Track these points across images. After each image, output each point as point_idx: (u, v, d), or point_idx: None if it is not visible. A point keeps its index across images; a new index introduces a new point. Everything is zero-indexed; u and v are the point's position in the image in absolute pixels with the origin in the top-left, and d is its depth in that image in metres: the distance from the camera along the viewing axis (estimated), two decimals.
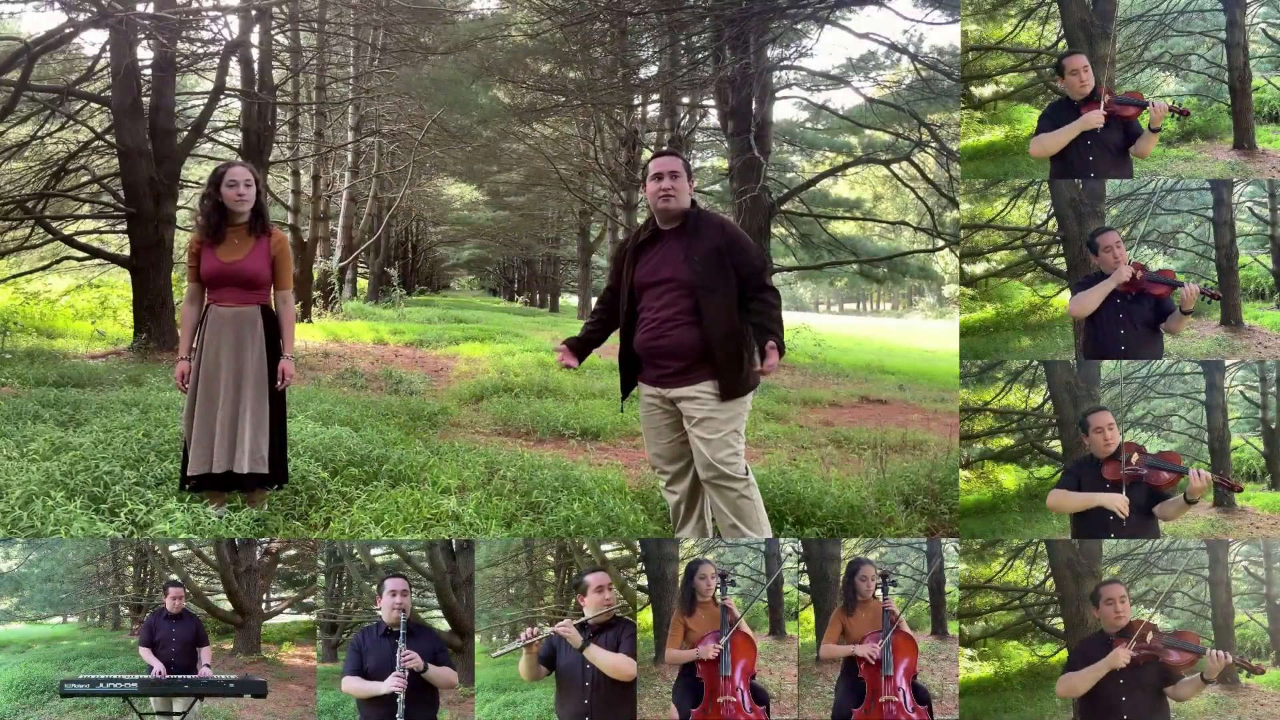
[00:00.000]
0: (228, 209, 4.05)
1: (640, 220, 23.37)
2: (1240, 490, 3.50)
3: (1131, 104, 3.61)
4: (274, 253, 4.13)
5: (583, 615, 3.14)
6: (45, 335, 11.81)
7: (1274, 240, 3.74)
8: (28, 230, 11.74)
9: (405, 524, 4.09)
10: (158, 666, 3.62)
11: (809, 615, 3.68)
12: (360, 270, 29.30)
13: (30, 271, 12.50)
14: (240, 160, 5.10)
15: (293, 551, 4.30)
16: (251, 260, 4.06)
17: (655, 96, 19.85)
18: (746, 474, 3.64)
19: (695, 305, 3.56)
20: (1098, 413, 3.42)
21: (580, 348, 3.87)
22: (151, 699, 3.38)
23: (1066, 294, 3.78)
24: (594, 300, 32.28)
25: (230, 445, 4.01)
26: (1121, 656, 3.08)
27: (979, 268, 3.92)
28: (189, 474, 4.03)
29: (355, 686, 3.15)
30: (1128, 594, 3.23)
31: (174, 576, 4.08)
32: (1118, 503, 3.29)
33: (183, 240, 15.59)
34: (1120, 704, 3.11)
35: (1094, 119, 3.60)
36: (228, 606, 4.30)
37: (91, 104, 12.09)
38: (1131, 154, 3.67)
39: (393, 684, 3.06)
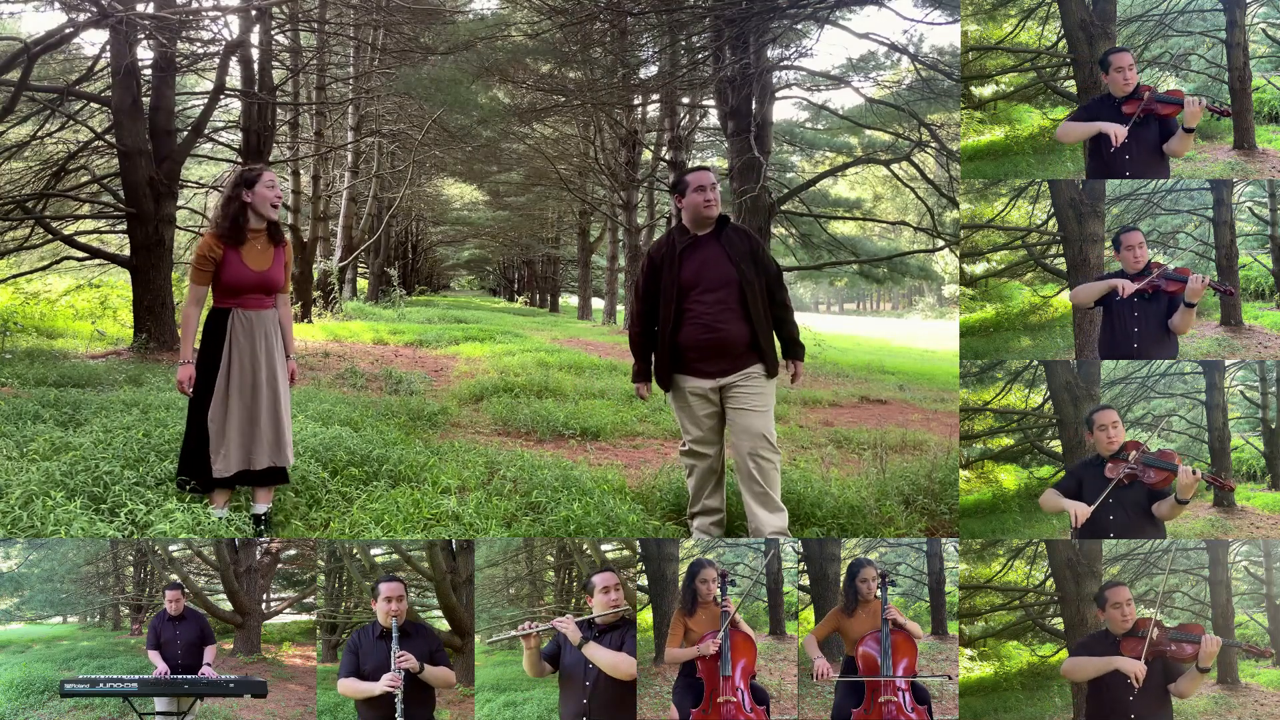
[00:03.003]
0: (254, 213, 4.04)
1: (640, 220, 23.46)
2: (1231, 489, 3.50)
3: (1170, 102, 3.57)
4: (286, 259, 4.20)
5: (589, 615, 3.14)
6: (45, 335, 11.82)
7: (1274, 240, 3.74)
8: (28, 230, 11.74)
9: (405, 524, 4.09)
10: (162, 668, 3.62)
11: (809, 615, 3.68)
12: (360, 270, 29.31)
13: (30, 271, 12.50)
14: (266, 165, 5.11)
15: (293, 551, 4.30)
16: (276, 268, 4.12)
17: (655, 96, 19.84)
18: (778, 450, 4.10)
19: (742, 299, 4.00)
20: (1103, 410, 3.42)
21: (649, 372, 4.28)
22: (153, 699, 3.39)
23: (1066, 293, 3.79)
24: (594, 301, 31.96)
25: (274, 442, 4.10)
26: (1135, 668, 3.06)
27: (979, 268, 3.92)
28: (223, 474, 3.99)
29: (351, 688, 3.15)
30: (1132, 598, 3.22)
31: (173, 578, 4.08)
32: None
33: (183, 240, 15.60)
34: (1128, 704, 3.10)
35: (1115, 131, 3.59)
36: (228, 606, 4.31)
37: (91, 104, 12.09)
38: (1165, 151, 3.65)
39: (387, 682, 3.06)
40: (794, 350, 4.21)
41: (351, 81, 19.86)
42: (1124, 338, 3.56)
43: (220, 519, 3.93)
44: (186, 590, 3.87)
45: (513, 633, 3.10)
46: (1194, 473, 3.24)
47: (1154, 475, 3.31)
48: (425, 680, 3.15)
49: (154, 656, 3.67)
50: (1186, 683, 3.09)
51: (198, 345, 4.10)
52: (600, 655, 3.04)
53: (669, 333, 4.09)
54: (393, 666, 3.08)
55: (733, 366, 4.03)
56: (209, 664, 3.69)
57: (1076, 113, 3.73)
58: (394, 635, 3.12)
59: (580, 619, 3.10)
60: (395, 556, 4.06)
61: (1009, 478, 3.76)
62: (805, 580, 3.75)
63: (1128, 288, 3.51)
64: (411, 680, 3.11)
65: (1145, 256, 3.55)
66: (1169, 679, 3.10)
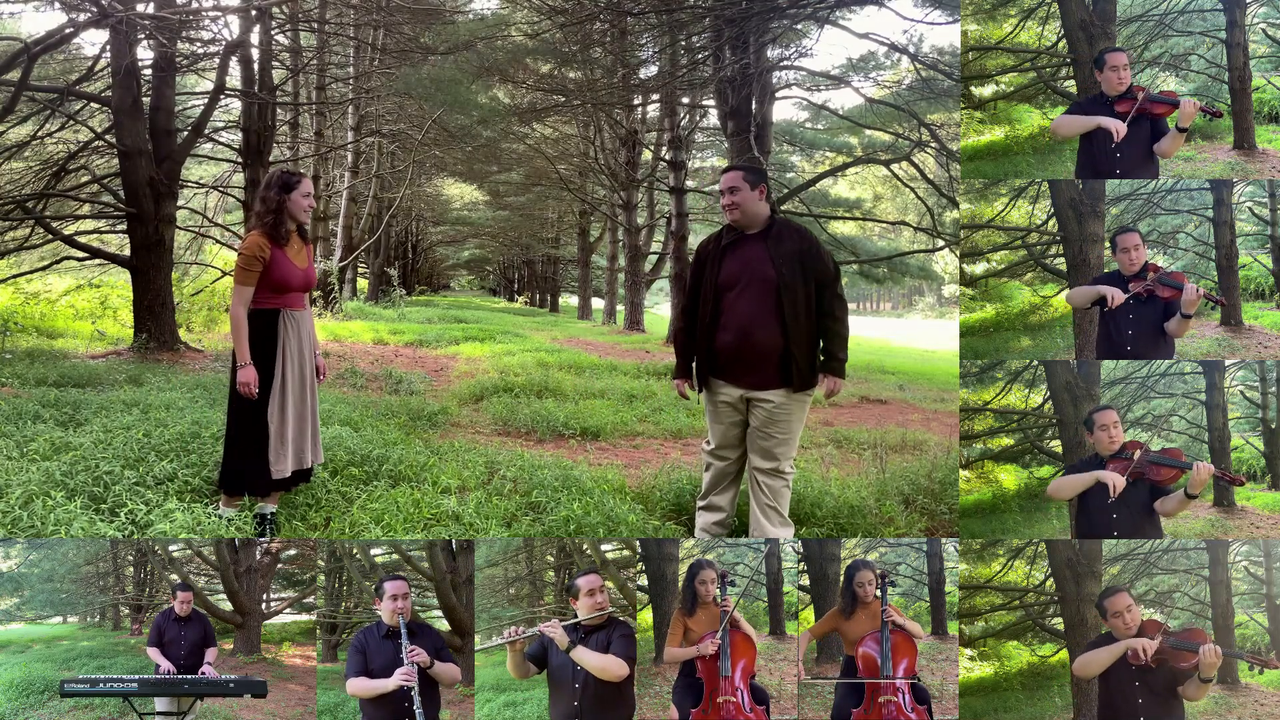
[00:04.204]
0: (288, 215, 4.05)
1: (640, 220, 23.48)
2: (1242, 484, 3.50)
3: (1165, 102, 3.58)
4: (312, 257, 4.27)
5: (575, 616, 3.13)
6: (45, 335, 11.81)
7: (1274, 240, 3.74)
8: (28, 230, 11.73)
9: (405, 524, 4.09)
10: (166, 666, 3.62)
11: (809, 615, 3.68)
12: (360, 270, 29.30)
13: (30, 271, 12.50)
14: (302, 170, 5.15)
15: (293, 551, 4.30)
16: (311, 267, 4.21)
17: (655, 96, 19.83)
18: (793, 469, 4.03)
19: (778, 304, 3.80)
20: (1103, 411, 3.42)
21: (689, 369, 4.14)
22: (153, 699, 3.38)
23: (1065, 293, 3.79)
24: (594, 301, 31.92)
25: (314, 441, 4.21)
26: (1143, 642, 3.08)
27: (979, 268, 3.92)
28: (283, 474, 4.03)
29: (362, 686, 3.12)
30: (1134, 601, 3.22)
31: (179, 580, 4.08)
32: (1114, 479, 3.29)
33: (183, 240, 15.58)
34: (1137, 707, 3.10)
35: (1116, 126, 3.59)
36: (228, 606, 4.30)
37: (91, 104, 12.08)
38: (1155, 151, 3.66)
39: (401, 677, 3.05)
40: (830, 365, 3.91)
41: (351, 81, 19.86)
42: (1119, 340, 3.58)
43: (220, 519, 3.93)
44: (196, 593, 3.87)
45: (499, 640, 3.09)
46: (1208, 468, 3.25)
47: (1163, 473, 3.31)
48: (434, 676, 3.15)
49: (154, 654, 3.67)
50: (1192, 689, 3.11)
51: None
52: (589, 659, 3.03)
53: (705, 333, 3.98)
54: (405, 661, 3.07)
55: (762, 380, 3.86)
56: (209, 664, 3.69)
57: (1070, 110, 3.74)
58: (402, 632, 3.12)
59: (566, 623, 3.09)
60: (395, 556, 4.05)
61: (1009, 478, 3.76)
62: (805, 580, 3.75)
63: (1117, 298, 3.52)
64: (420, 679, 3.10)
65: (1142, 258, 3.55)
66: (1177, 682, 3.11)
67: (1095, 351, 3.66)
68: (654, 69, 16.30)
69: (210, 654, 3.72)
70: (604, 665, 3.03)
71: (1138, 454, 3.33)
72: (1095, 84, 3.76)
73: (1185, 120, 3.56)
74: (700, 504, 4.21)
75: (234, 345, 3.99)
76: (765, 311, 3.82)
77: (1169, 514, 3.38)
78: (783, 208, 15.54)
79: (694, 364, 4.11)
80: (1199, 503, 3.62)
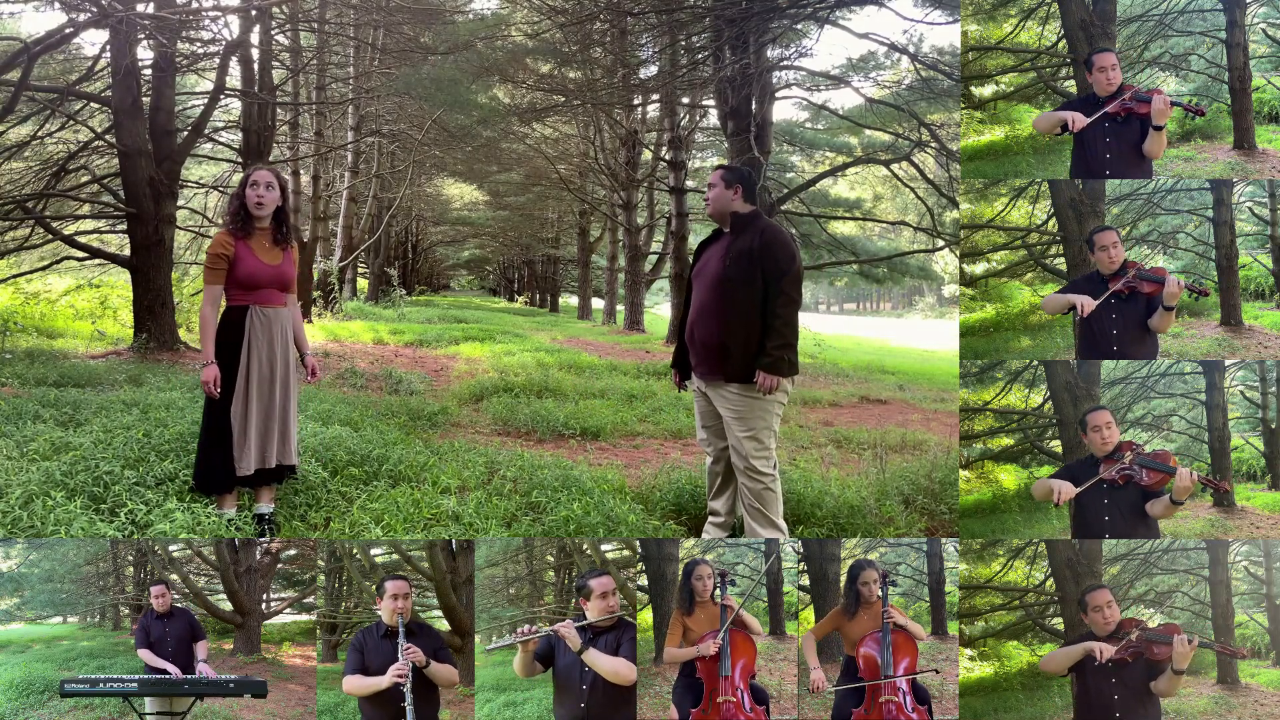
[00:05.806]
0: (248, 212, 4.06)
1: (640, 220, 23.53)
2: (1227, 490, 3.50)
3: (1146, 100, 3.60)
4: (294, 259, 4.27)
5: (584, 617, 3.12)
6: (45, 335, 11.81)
7: (1274, 240, 3.74)
8: (28, 230, 11.74)
9: (405, 524, 4.09)
10: (159, 664, 3.62)
11: (809, 615, 3.68)
12: (360, 270, 29.30)
13: (30, 271, 12.51)
14: (268, 164, 5.16)
15: (293, 551, 4.30)
16: (287, 265, 4.18)
17: (655, 96, 19.83)
18: (773, 469, 3.94)
19: (721, 299, 3.90)
20: (1096, 412, 3.43)
21: (677, 361, 4.32)
22: (150, 699, 3.38)
23: (1043, 299, 3.79)
24: (594, 301, 31.98)
25: (283, 440, 4.17)
26: (1104, 650, 3.10)
27: (979, 268, 3.92)
28: (245, 472, 4.02)
29: (357, 684, 3.13)
30: (1114, 599, 3.23)
31: (173, 577, 4.08)
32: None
33: (183, 240, 15.59)
34: (1113, 703, 3.12)
35: (1073, 118, 3.62)
36: (228, 606, 4.30)
37: (91, 104, 12.09)
38: (1144, 152, 3.66)
39: (394, 674, 3.06)
40: (761, 360, 3.82)
41: (351, 81, 19.84)
42: (1103, 338, 3.58)
43: (221, 518, 3.93)
44: (171, 587, 3.85)
45: (512, 639, 3.09)
46: (1191, 475, 3.25)
47: (1149, 476, 3.31)
48: (430, 676, 3.15)
49: (146, 655, 3.66)
50: (1164, 683, 3.11)
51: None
52: (602, 662, 3.03)
53: (681, 325, 4.21)
54: (400, 658, 3.08)
55: (709, 372, 4.00)
56: (203, 660, 3.69)
57: (1058, 109, 3.75)
58: (400, 631, 3.12)
59: (578, 624, 3.08)
60: (395, 556, 4.05)
61: (1009, 478, 3.76)
62: (805, 580, 3.75)
63: (1087, 306, 3.52)
64: (417, 678, 3.10)
65: (1120, 257, 3.55)
66: (1152, 678, 3.11)
67: (1077, 351, 3.66)
68: (654, 69, 16.30)
69: (201, 649, 3.71)
70: (616, 668, 3.02)
71: (1128, 455, 3.34)
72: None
73: (1159, 117, 3.58)
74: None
75: (201, 343, 4.04)
76: (710, 306, 3.96)
77: (1157, 518, 3.39)
78: (783, 208, 15.54)
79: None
80: (1199, 503, 3.62)
